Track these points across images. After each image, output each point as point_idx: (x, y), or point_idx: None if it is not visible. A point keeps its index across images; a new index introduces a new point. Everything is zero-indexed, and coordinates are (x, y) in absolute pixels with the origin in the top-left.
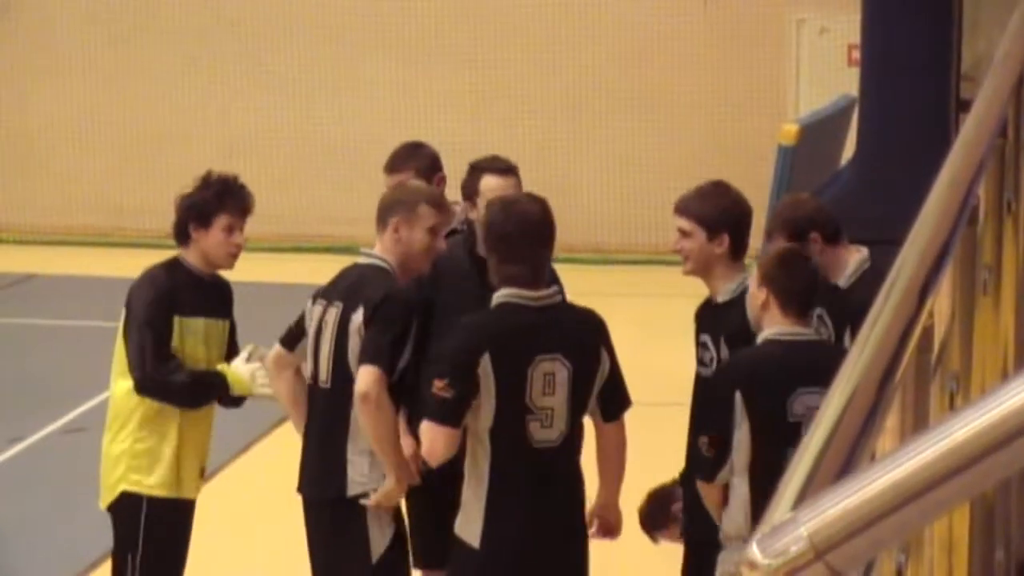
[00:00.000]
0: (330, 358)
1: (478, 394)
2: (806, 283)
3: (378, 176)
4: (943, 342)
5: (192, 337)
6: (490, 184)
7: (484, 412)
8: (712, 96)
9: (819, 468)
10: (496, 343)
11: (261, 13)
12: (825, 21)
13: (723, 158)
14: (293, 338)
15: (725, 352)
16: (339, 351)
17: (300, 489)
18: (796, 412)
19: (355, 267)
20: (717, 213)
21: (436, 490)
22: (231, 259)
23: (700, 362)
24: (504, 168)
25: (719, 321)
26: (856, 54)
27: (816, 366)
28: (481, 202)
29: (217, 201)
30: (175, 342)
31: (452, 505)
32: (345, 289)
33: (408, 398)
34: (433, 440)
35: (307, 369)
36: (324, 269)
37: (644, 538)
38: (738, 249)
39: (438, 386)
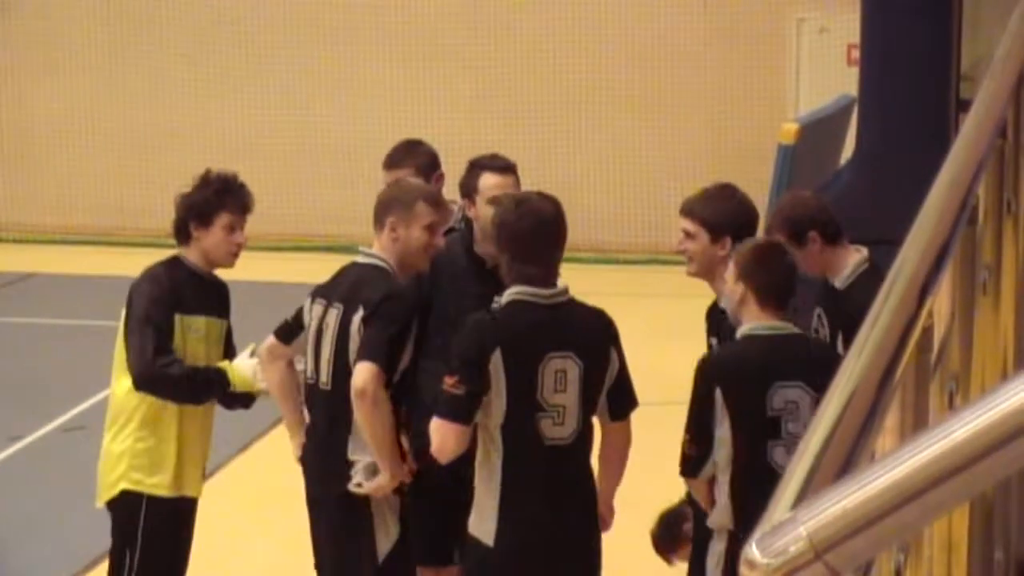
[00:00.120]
0: (331, 361)
1: (489, 391)
2: (783, 277)
3: (378, 175)
4: (943, 342)
5: (193, 335)
6: (489, 182)
7: (495, 409)
8: (712, 95)
9: (818, 468)
10: (507, 340)
11: (261, 12)
12: (825, 20)
13: (723, 157)
14: (289, 331)
15: None
16: (340, 354)
17: (306, 487)
18: (775, 406)
19: (353, 266)
20: (721, 216)
21: (437, 488)
22: (232, 258)
23: None
24: (503, 166)
25: (725, 323)
26: (856, 53)
27: (795, 360)
28: (480, 200)
29: (218, 200)
30: (176, 340)
31: (452, 504)
32: (345, 291)
33: (408, 398)
34: (444, 437)
35: (306, 367)
36: (324, 268)
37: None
38: None
39: (449, 383)
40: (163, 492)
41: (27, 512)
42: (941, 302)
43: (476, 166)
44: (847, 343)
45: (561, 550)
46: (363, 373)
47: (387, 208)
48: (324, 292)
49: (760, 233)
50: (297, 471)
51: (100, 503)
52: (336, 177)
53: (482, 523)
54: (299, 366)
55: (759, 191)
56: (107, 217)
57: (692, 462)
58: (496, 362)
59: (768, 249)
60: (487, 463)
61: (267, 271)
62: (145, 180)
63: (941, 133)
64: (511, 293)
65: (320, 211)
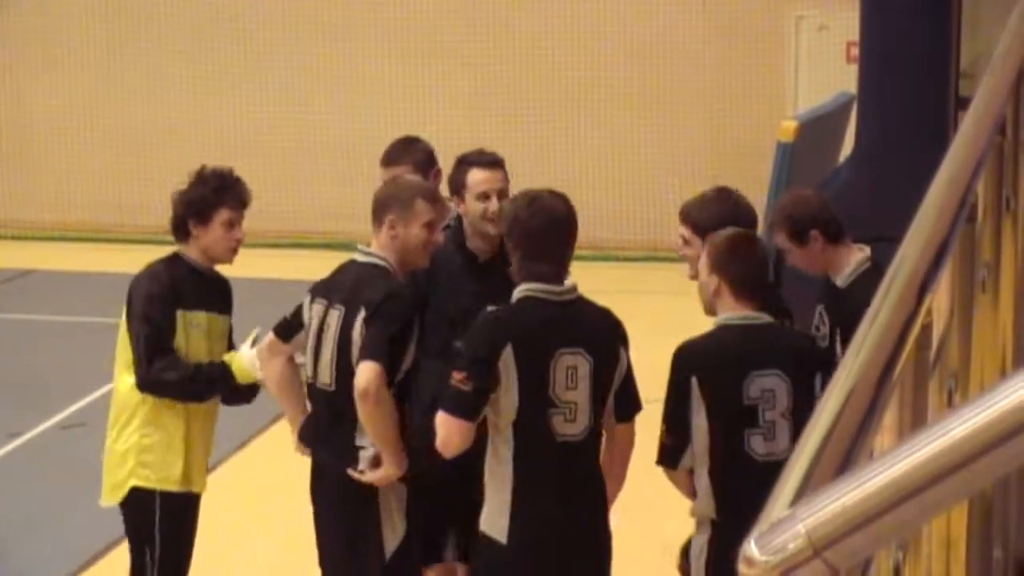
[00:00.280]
0: (333, 363)
1: (498, 388)
2: (756, 268)
3: (376, 172)
4: (942, 339)
5: (195, 331)
6: (477, 177)
7: (506, 405)
8: (711, 93)
9: (817, 465)
10: (518, 336)
11: (260, 9)
12: (824, 18)
13: (722, 155)
14: (290, 329)
15: None
16: (342, 356)
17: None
18: (752, 395)
19: (353, 265)
20: (716, 221)
21: (435, 486)
22: (232, 253)
23: None
24: (491, 161)
25: None
26: (855, 51)
27: (769, 348)
28: (469, 196)
29: (216, 196)
30: (178, 336)
31: (446, 501)
32: (346, 292)
33: (411, 396)
34: (449, 432)
35: (305, 364)
36: (323, 265)
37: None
38: None
39: (457, 378)
40: (173, 487)
41: (26, 509)
42: (940, 299)
43: (463, 162)
44: (847, 342)
45: (573, 546)
46: (366, 373)
47: (386, 206)
48: (324, 292)
49: (760, 232)
50: (297, 467)
51: (107, 502)
52: (335, 174)
53: (494, 520)
54: (299, 359)
55: (758, 189)
56: (105, 214)
57: (669, 452)
58: (507, 358)
59: (740, 241)
60: (497, 460)
61: (266, 268)
62: (144, 177)
63: (940, 131)
64: (522, 290)
65: (319, 208)
